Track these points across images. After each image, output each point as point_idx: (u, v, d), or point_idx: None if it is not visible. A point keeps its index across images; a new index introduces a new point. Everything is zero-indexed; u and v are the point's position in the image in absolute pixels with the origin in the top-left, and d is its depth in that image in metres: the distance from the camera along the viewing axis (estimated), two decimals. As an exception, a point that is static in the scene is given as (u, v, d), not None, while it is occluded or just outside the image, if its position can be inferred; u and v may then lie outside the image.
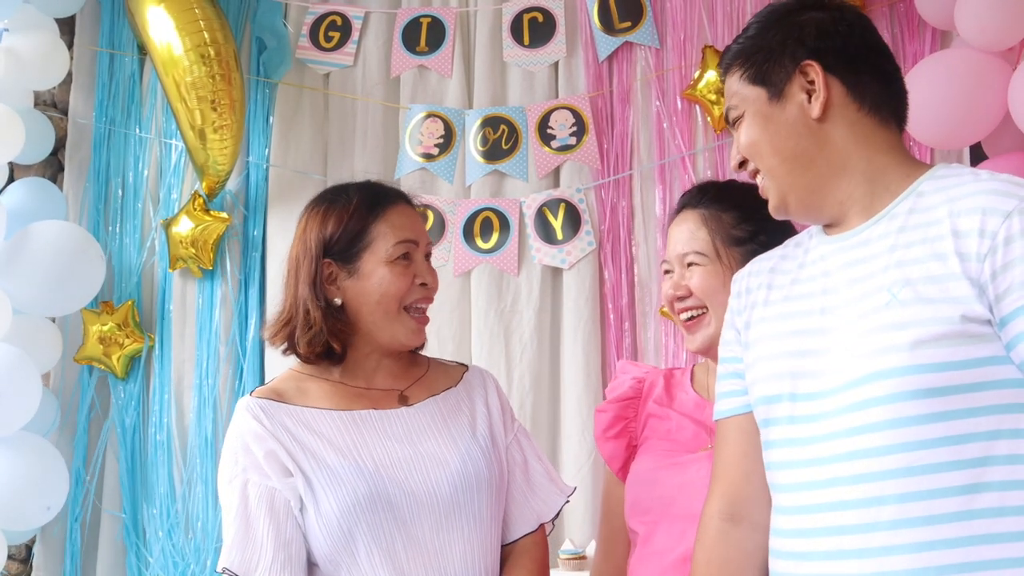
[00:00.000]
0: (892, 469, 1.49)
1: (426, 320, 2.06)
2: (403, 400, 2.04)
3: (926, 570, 1.45)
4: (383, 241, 2.01)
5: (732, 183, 2.31)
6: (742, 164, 1.73)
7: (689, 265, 2.13)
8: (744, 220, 2.16)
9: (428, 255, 2.09)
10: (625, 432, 2.25)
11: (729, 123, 1.75)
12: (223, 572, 1.87)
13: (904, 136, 1.72)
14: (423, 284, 2.03)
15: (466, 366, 2.18)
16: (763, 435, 1.70)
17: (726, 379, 1.81)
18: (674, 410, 2.19)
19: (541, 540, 2.09)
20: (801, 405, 1.61)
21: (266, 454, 1.92)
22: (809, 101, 1.65)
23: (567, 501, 2.12)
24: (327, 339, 2.00)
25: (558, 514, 2.12)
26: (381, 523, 1.89)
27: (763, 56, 1.69)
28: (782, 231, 2.20)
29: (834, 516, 1.54)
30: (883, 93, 1.67)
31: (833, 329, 1.60)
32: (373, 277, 2.00)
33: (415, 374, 2.11)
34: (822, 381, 1.59)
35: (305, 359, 2.04)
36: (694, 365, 2.32)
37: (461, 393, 2.10)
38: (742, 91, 1.71)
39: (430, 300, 2.07)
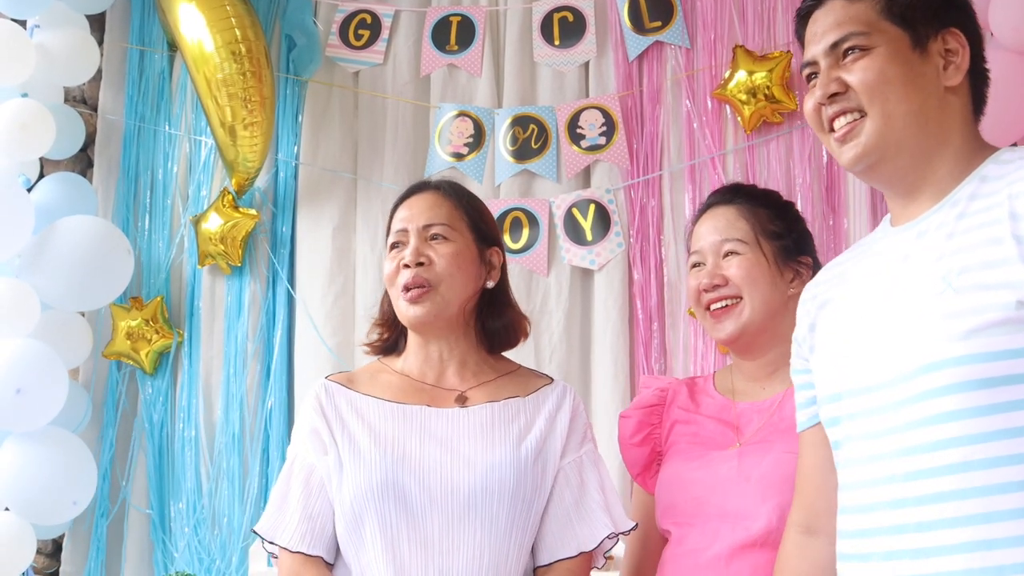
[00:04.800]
0: (948, 464, 1.44)
1: (416, 296, 2.09)
2: (461, 401, 2.09)
3: (984, 570, 1.41)
4: (390, 238, 2.20)
5: (756, 187, 2.34)
6: (834, 96, 1.63)
7: (726, 255, 2.15)
8: (778, 218, 2.19)
9: (434, 236, 2.14)
10: (649, 439, 2.27)
11: (834, 47, 1.64)
12: (254, 533, 2.04)
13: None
14: (406, 265, 2.10)
15: (551, 380, 2.19)
16: (830, 435, 1.66)
17: (799, 390, 1.79)
18: (700, 414, 2.21)
19: (577, 568, 2.04)
20: (860, 400, 1.58)
21: (311, 430, 2.08)
22: (945, 67, 1.60)
23: (615, 535, 2.04)
24: (381, 329, 2.24)
25: (603, 548, 2.04)
26: (389, 513, 1.94)
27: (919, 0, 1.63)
28: (807, 233, 2.24)
29: (892, 515, 1.50)
30: (981, 82, 1.66)
31: (889, 322, 1.56)
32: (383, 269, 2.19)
33: (487, 377, 2.15)
34: (878, 375, 1.55)
35: (372, 348, 2.25)
36: (715, 371, 2.33)
37: (526, 404, 2.11)
38: (879, 24, 1.62)
39: (418, 280, 2.09)
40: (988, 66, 1.69)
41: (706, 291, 2.16)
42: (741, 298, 2.13)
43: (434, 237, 2.13)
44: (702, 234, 2.21)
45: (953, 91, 1.61)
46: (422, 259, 2.10)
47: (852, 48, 1.62)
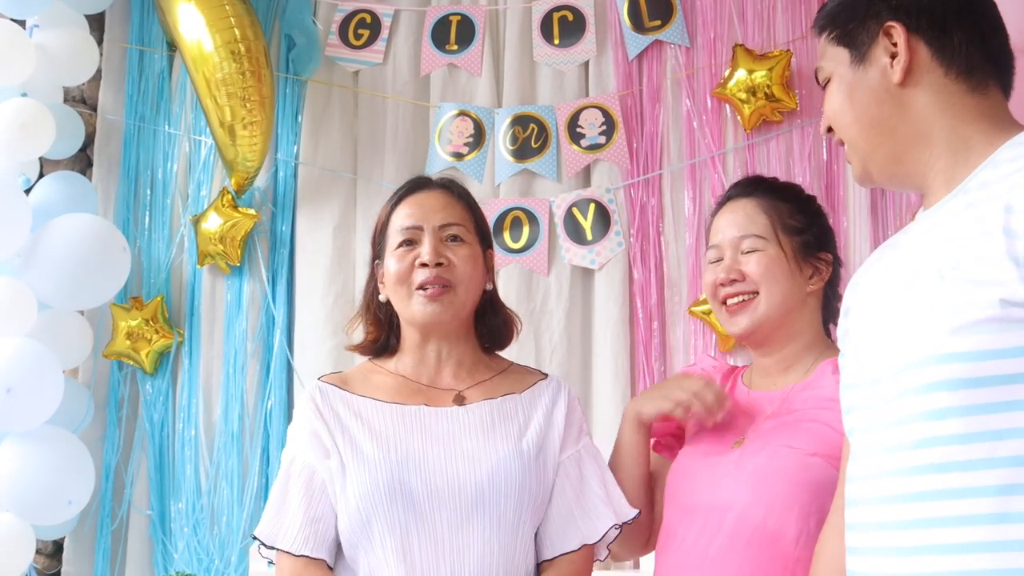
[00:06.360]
0: (928, 464, 1.41)
1: (436, 294, 2.06)
2: (459, 400, 2.09)
3: (958, 573, 1.37)
4: (394, 233, 2.13)
5: (777, 180, 2.33)
6: (830, 130, 1.67)
7: (745, 252, 2.13)
8: (799, 212, 2.18)
9: (453, 237, 2.12)
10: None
11: (820, 85, 1.69)
12: (254, 538, 2.01)
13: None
14: (423, 264, 2.07)
15: (546, 375, 2.19)
16: (844, 423, 1.65)
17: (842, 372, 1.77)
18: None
19: (580, 561, 2.05)
20: (863, 392, 1.56)
21: (311, 433, 2.04)
22: (892, 65, 1.57)
23: (619, 527, 2.05)
24: (370, 329, 2.20)
25: (607, 538, 2.05)
26: (398, 513, 1.94)
27: (849, 15, 1.62)
28: (829, 229, 2.22)
29: (878, 510, 1.49)
30: (976, 56, 1.56)
31: (891, 314, 1.52)
32: (388, 266, 2.12)
33: (482, 376, 2.14)
34: (876, 369, 1.53)
35: (362, 350, 2.21)
36: (747, 365, 2.33)
37: (523, 400, 2.11)
38: (829, 51, 1.65)
39: (440, 280, 2.07)
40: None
41: (723, 285, 2.15)
42: (758, 293, 2.12)
43: (453, 238, 2.11)
44: (721, 227, 2.19)
45: (909, 86, 1.57)
46: (442, 259, 2.07)
47: (826, 81, 1.68)
